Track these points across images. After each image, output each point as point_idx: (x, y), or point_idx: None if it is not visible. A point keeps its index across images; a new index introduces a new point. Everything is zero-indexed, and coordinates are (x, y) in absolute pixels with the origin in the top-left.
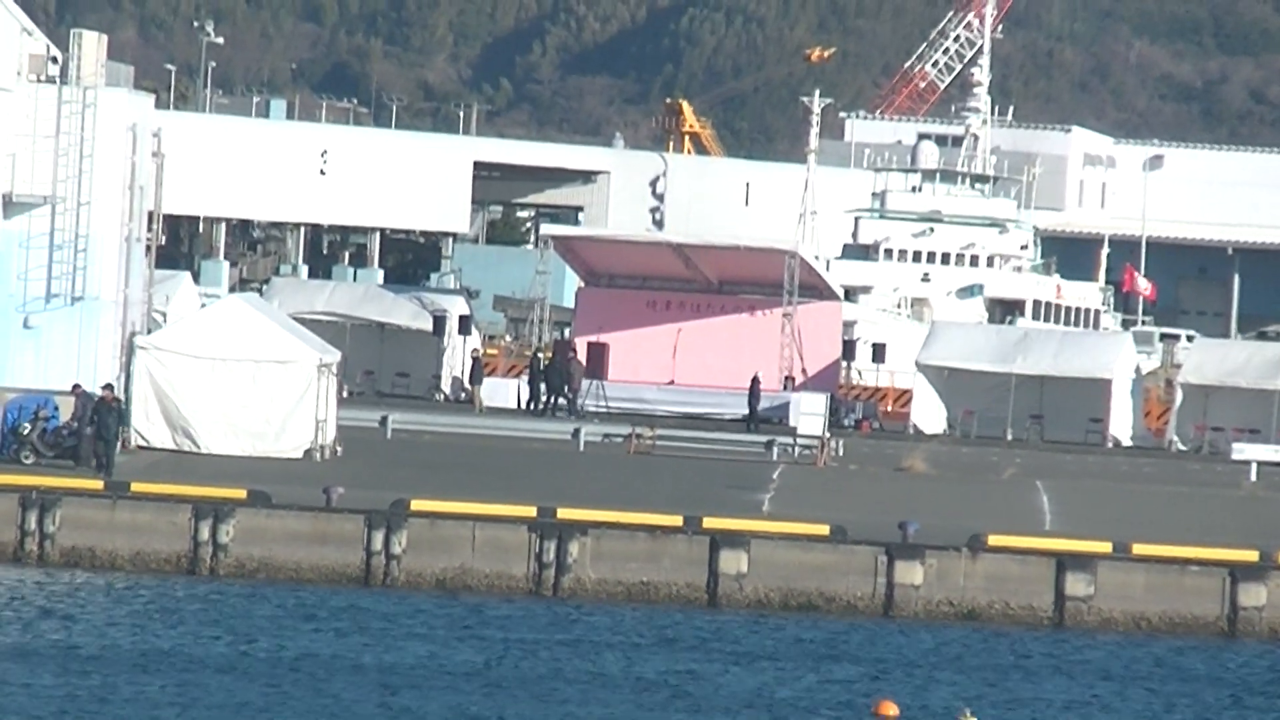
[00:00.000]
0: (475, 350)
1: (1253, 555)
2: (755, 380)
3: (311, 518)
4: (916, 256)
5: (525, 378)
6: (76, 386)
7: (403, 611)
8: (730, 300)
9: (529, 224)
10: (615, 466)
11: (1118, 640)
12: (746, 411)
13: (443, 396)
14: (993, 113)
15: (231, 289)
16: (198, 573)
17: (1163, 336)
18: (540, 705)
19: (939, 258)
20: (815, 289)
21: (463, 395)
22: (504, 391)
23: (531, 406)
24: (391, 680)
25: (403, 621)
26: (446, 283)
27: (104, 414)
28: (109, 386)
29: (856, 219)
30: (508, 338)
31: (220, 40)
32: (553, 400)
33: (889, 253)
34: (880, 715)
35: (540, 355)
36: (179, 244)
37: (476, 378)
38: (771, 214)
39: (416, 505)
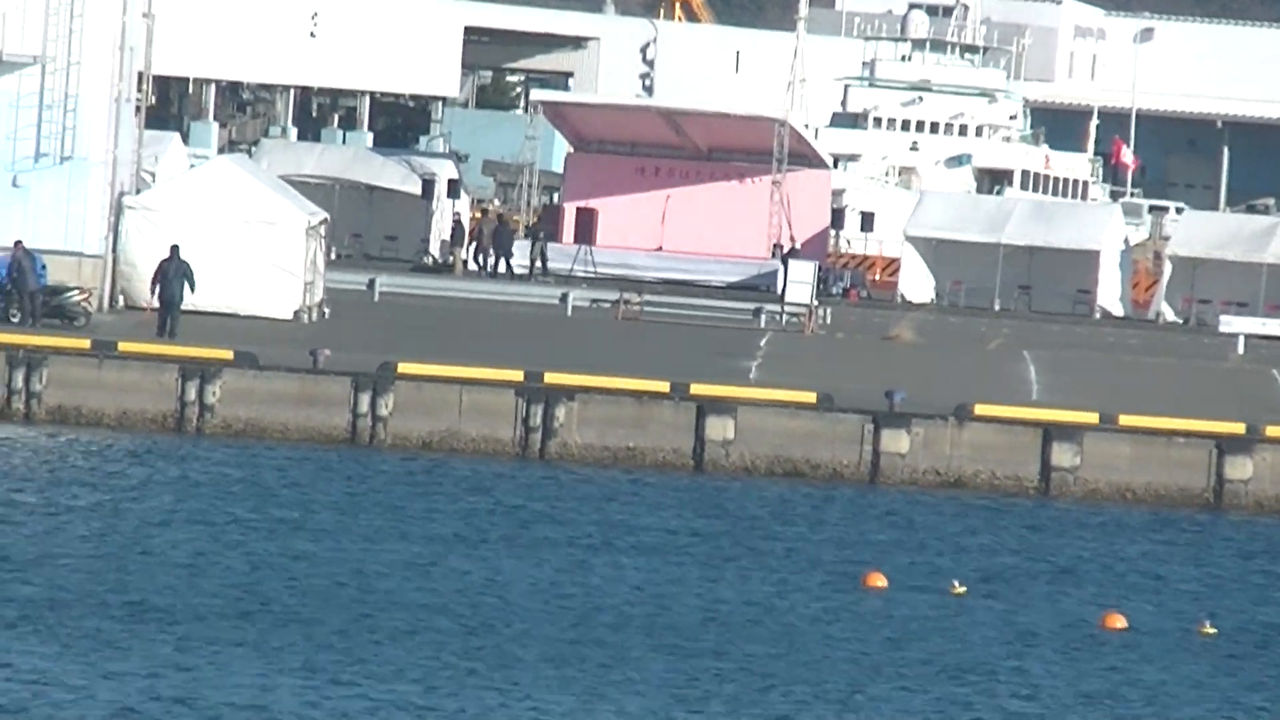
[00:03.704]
0: (457, 213)
1: (1239, 428)
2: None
3: (298, 379)
4: (905, 125)
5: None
6: (18, 243)
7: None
8: (719, 168)
9: (519, 89)
10: (603, 332)
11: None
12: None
13: (430, 260)
14: None
15: (220, 150)
16: (184, 432)
17: (1151, 209)
18: None
19: (928, 127)
20: (804, 157)
21: (449, 259)
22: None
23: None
24: None
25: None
26: (436, 146)
27: (21, 268)
28: (18, 242)
29: (846, 87)
30: (496, 202)
31: None
32: (493, 264)
33: (878, 121)
34: (869, 586)
35: (481, 223)
36: (168, 105)
37: (458, 240)
38: (761, 82)
39: (403, 368)
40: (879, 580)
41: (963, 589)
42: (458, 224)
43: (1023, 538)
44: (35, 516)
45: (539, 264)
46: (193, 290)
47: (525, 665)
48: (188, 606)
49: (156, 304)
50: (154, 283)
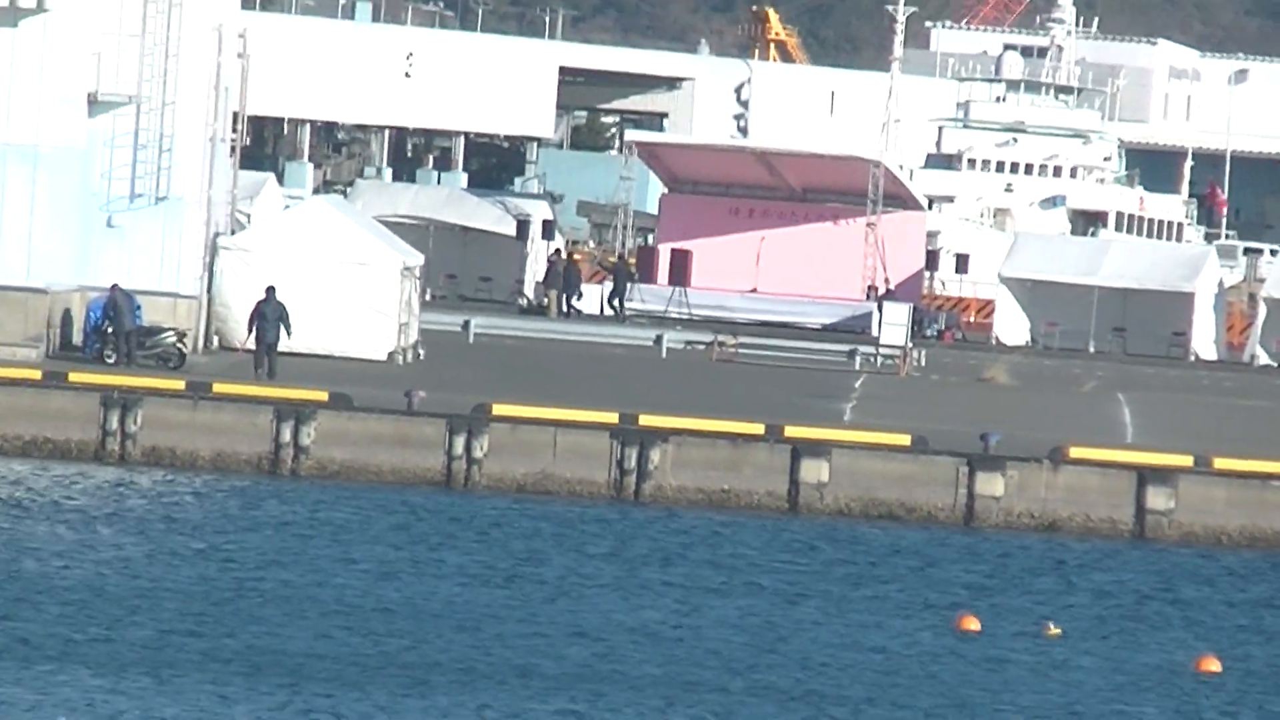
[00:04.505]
0: (552, 254)
1: None
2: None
3: (393, 420)
4: (1000, 167)
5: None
6: (114, 286)
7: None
8: (814, 209)
9: (613, 130)
10: (697, 373)
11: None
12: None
13: (525, 301)
14: (1077, 24)
15: (315, 191)
16: (278, 474)
17: (1246, 250)
18: None
19: (1022, 168)
20: (899, 198)
21: (544, 301)
22: (588, 297)
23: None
24: None
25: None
26: (530, 187)
27: (118, 308)
28: (115, 285)
29: (940, 129)
30: (591, 243)
31: None
32: (562, 304)
33: (972, 163)
34: (962, 629)
35: (552, 261)
36: (263, 145)
37: (553, 282)
38: (856, 123)
39: (498, 410)
40: (972, 623)
41: (1058, 630)
42: (552, 265)
43: (1118, 579)
44: (147, 558)
45: (616, 304)
46: (289, 334)
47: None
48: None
49: (252, 345)
50: (250, 324)
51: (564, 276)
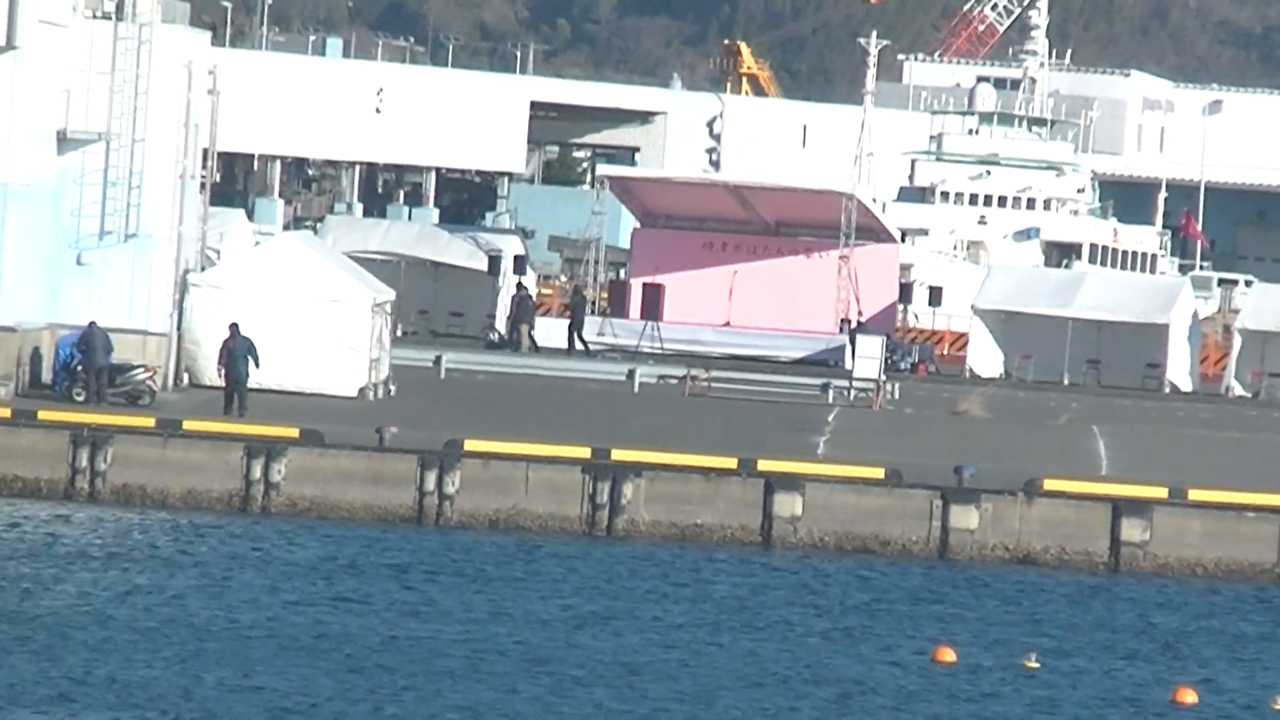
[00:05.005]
0: (521, 289)
1: None
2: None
3: (365, 457)
4: (973, 199)
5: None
6: (92, 323)
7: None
8: (787, 242)
9: (585, 164)
10: (670, 407)
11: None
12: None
13: (497, 336)
14: (1051, 56)
15: (286, 227)
16: (249, 511)
17: (1221, 281)
18: None
19: (996, 200)
20: (872, 231)
21: (514, 336)
22: (558, 332)
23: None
24: None
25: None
26: (502, 222)
27: (91, 345)
28: (93, 322)
29: (913, 161)
30: (563, 278)
31: None
32: (512, 337)
33: (945, 195)
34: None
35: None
36: (234, 182)
37: (523, 317)
38: (829, 156)
39: (470, 445)
40: (948, 654)
41: (1036, 664)
42: (522, 300)
43: (1092, 612)
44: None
45: (576, 338)
46: (257, 366)
47: None
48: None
49: (221, 382)
50: (219, 360)
51: (516, 308)
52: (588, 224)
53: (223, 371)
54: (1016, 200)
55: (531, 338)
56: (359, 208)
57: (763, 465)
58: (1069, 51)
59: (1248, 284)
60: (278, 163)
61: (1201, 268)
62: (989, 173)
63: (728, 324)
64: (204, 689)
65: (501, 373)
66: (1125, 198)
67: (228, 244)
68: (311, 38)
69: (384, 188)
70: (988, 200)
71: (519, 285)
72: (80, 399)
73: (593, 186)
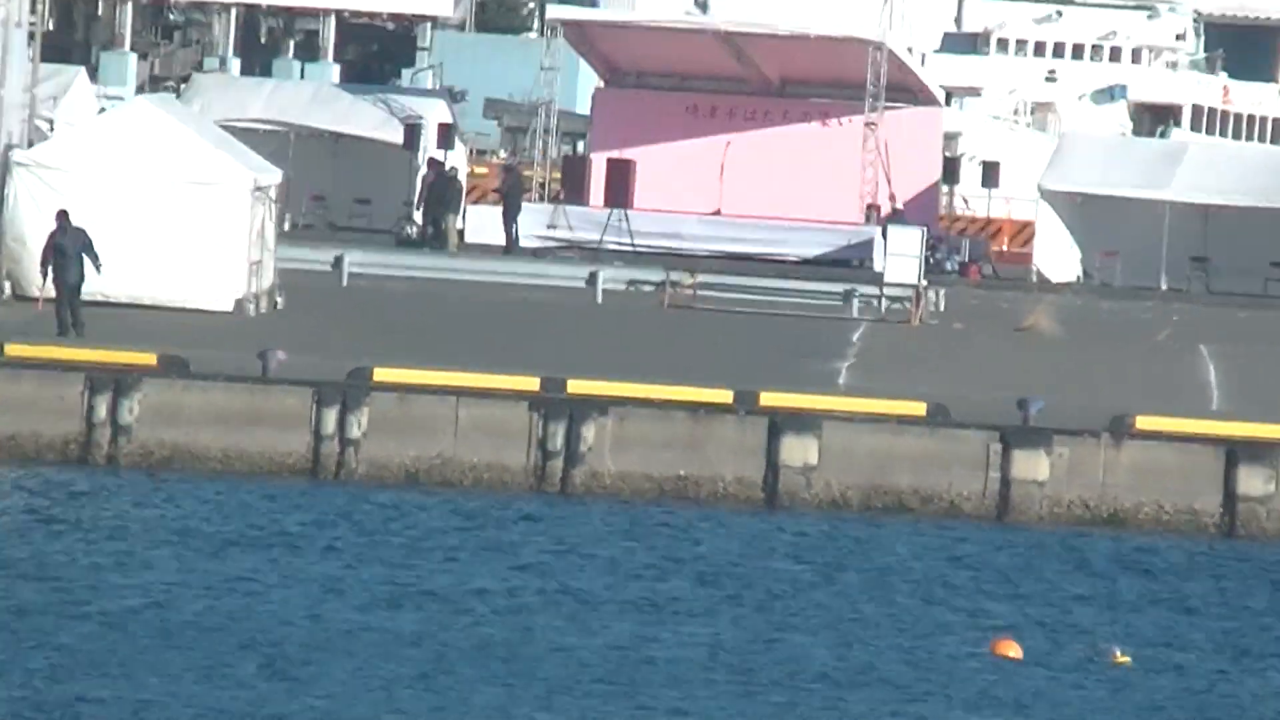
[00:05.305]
0: (446, 168)
1: None
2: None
3: (244, 391)
4: (1039, 49)
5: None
6: None
7: None
8: (795, 105)
9: (531, 6)
10: (644, 324)
11: None
12: None
13: (415, 231)
14: None
15: (140, 89)
16: (91, 462)
17: None
18: None
19: (1069, 50)
20: (907, 90)
21: (438, 229)
22: (495, 224)
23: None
24: None
25: None
26: (422, 82)
27: None
28: None
29: (961, 1)
30: (502, 153)
31: None
32: (428, 231)
33: (1003, 44)
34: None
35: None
36: (72, 30)
37: (450, 205)
38: None
39: (381, 375)
40: (1012, 649)
41: (1125, 658)
42: (450, 183)
43: (1203, 589)
44: None
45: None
46: (98, 269)
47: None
48: None
49: (51, 292)
50: (44, 263)
51: (433, 191)
52: (535, 83)
53: (49, 277)
54: (1096, 50)
55: (460, 233)
56: (235, 63)
57: (766, 399)
58: None
59: None
60: (129, 6)
61: None
62: (1060, 14)
63: (718, 213)
64: None
65: (422, 279)
66: (1238, 46)
67: (63, 111)
68: None
69: (268, 37)
70: (1059, 50)
71: (439, 163)
72: None
73: (541, 34)
